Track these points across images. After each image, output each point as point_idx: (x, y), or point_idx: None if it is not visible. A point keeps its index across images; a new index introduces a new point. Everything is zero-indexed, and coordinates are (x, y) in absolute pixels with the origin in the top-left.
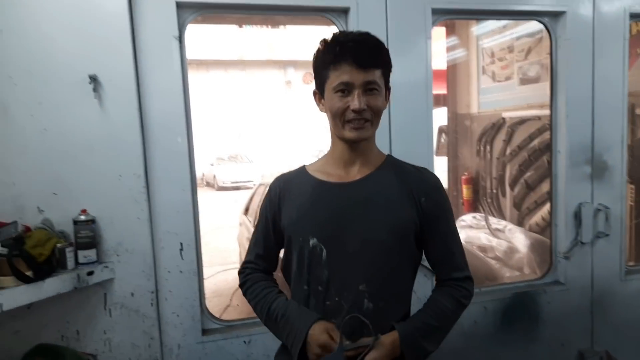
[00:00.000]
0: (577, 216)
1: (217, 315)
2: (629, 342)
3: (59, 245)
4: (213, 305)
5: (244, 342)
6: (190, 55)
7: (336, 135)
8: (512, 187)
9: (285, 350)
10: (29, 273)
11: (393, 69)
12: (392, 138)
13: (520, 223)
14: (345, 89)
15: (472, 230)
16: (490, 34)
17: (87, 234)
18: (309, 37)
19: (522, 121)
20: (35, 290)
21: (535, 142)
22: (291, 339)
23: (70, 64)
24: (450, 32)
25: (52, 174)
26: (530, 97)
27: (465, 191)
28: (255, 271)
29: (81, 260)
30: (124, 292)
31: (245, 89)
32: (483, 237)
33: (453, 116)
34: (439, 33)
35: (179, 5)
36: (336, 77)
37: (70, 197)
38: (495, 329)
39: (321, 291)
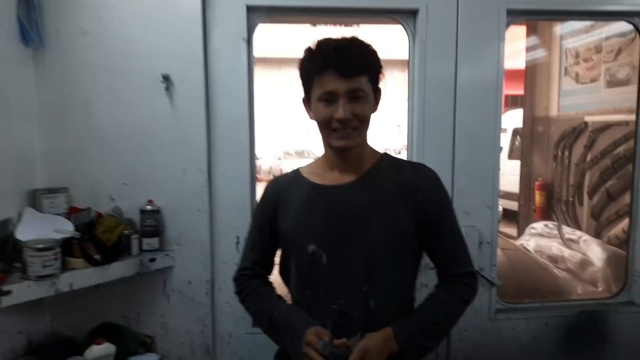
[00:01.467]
0: None
1: None
2: None
3: (125, 232)
4: None
5: None
6: (263, 53)
7: (325, 142)
8: (590, 196)
9: (284, 353)
10: (97, 256)
11: (462, 71)
12: (455, 141)
13: (597, 235)
14: (329, 98)
15: (542, 238)
16: (575, 33)
17: (152, 223)
18: (383, 35)
19: (607, 126)
20: (102, 273)
21: (621, 149)
22: (294, 347)
23: (146, 64)
24: (531, 31)
25: (124, 165)
26: (617, 101)
27: (538, 197)
28: (252, 278)
29: (145, 247)
30: (182, 280)
31: None
32: (554, 247)
33: (529, 118)
34: (519, 32)
35: (249, 9)
36: (320, 87)
37: (139, 188)
38: (557, 347)
39: (324, 295)
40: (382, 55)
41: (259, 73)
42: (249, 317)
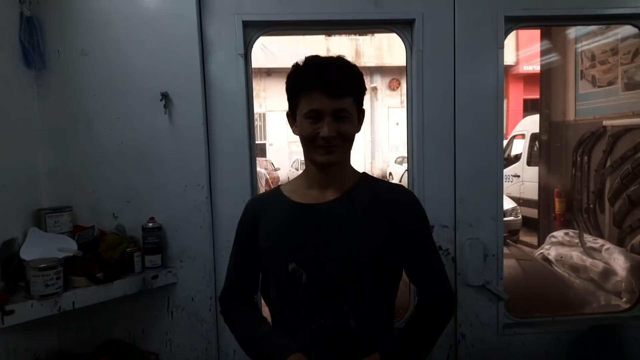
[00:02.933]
0: None
1: None
2: None
3: (128, 249)
4: None
5: None
6: (279, 64)
7: (308, 158)
8: (612, 203)
9: None
10: (99, 274)
11: (461, 79)
12: (456, 151)
13: (620, 243)
14: (315, 116)
15: (563, 247)
16: (591, 36)
17: (154, 240)
18: (397, 43)
19: (627, 130)
20: (104, 291)
21: None
22: None
23: (145, 82)
24: (545, 34)
25: (126, 183)
26: (636, 104)
27: (558, 205)
28: (235, 298)
29: (147, 264)
30: (185, 297)
31: None
32: (575, 256)
33: (546, 124)
34: (533, 35)
35: (245, 25)
36: (306, 104)
37: (141, 205)
38: None
39: (304, 315)
40: (394, 62)
41: (274, 82)
42: None
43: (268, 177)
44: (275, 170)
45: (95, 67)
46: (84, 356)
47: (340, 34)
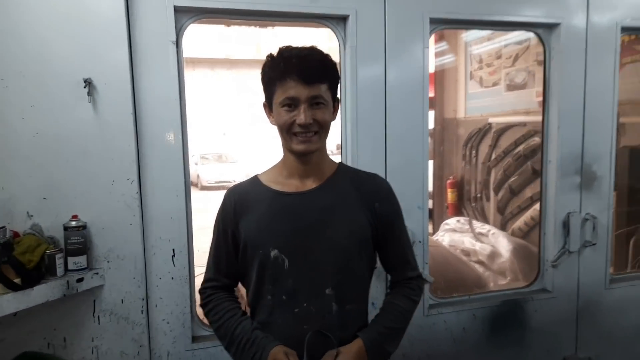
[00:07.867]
0: (566, 225)
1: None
2: (612, 349)
3: (48, 251)
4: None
5: None
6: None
7: (286, 147)
8: (496, 192)
9: None
10: (17, 280)
11: (390, 75)
12: (387, 144)
13: (503, 227)
14: (291, 104)
15: (455, 234)
16: (479, 41)
17: (78, 240)
18: (298, 37)
19: (508, 127)
20: (23, 298)
21: (520, 148)
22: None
23: (65, 67)
24: (439, 37)
25: (43, 178)
26: (516, 103)
27: (450, 195)
28: (216, 290)
29: (71, 266)
30: (113, 299)
31: (231, 88)
32: (467, 241)
33: (440, 120)
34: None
35: (176, 10)
36: (282, 92)
37: (61, 202)
38: (484, 335)
39: (286, 300)
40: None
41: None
42: (188, 334)
43: None
44: None
45: (3, 47)
46: None
47: (274, 25)
